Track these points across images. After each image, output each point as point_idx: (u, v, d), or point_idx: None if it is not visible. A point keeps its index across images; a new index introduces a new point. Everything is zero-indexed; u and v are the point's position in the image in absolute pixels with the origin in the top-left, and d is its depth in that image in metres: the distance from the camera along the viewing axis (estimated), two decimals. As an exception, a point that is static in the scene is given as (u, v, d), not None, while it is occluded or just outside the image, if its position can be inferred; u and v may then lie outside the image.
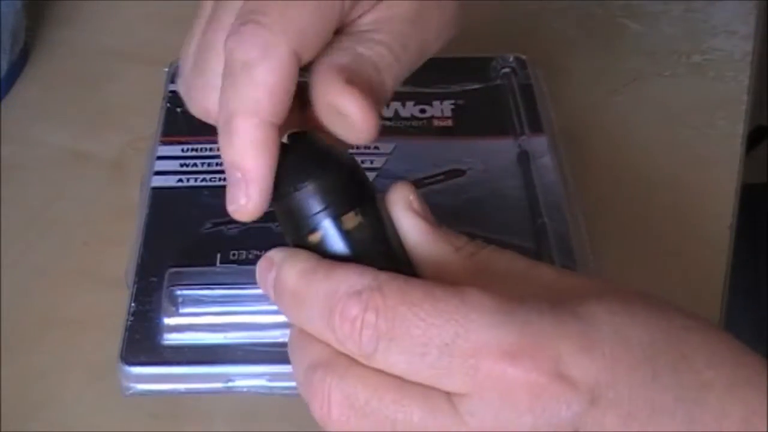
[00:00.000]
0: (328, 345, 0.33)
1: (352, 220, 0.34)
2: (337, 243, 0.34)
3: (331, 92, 0.34)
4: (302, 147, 0.35)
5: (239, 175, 0.35)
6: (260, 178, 0.34)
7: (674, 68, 0.65)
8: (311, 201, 0.34)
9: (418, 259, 0.35)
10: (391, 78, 0.37)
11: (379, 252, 0.34)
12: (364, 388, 0.32)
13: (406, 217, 0.35)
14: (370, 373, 0.32)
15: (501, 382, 0.31)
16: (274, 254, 0.35)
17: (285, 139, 0.35)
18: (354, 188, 0.35)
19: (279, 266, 0.35)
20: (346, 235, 0.34)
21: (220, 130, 0.35)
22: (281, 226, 0.36)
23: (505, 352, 0.30)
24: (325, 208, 0.34)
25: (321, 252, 0.34)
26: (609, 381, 0.31)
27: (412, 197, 0.35)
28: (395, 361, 0.32)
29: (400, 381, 0.32)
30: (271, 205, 0.35)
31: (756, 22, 0.68)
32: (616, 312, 0.32)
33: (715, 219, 0.55)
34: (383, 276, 0.32)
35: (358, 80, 0.35)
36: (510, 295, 0.32)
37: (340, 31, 0.37)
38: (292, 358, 0.35)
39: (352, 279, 0.33)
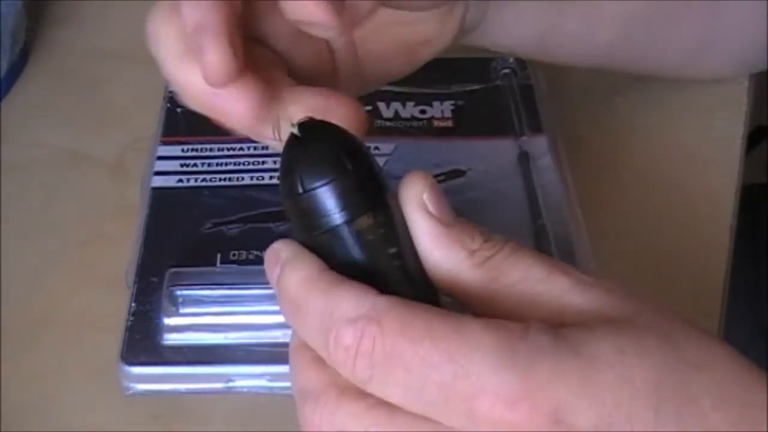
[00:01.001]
0: (322, 371, 0.33)
1: (365, 222, 0.33)
2: (347, 246, 0.33)
3: None
4: (315, 141, 0.33)
5: (200, 36, 0.35)
6: (215, 26, 0.34)
7: (674, 69, 0.65)
8: (325, 202, 0.33)
9: (429, 265, 0.34)
10: None
11: (388, 258, 0.33)
12: (355, 426, 0.32)
13: (418, 219, 0.34)
14: (362, 410, 0.32)
15: (498, 426, 0.30)
16: (281, 248, 0.34)
17: (295, 130, 0.33)
18: (368, 189, 0.33)
19: (282, 267, 0.34)
20: (357, 239, 0.33)
21: None
22: (290, 222, 0.34)
23: (503, 398, 0.30)
24: (339, 211, 0.33)
25: (329, 253, 0.33)
26: (609, 426, 0.30)
27: (426, 194, 0.34)
28: (391, 392, 0.31)
29: (392, 417, 0.31)
30: (281, 202, 0.34)
31: (756, 22, 0.67)
32: (625, 351, 0.31)
33: (715, 220, 0.55)
34: (382, 304, 0.31)
35: None
36: (513, 324, 0.31)
37: None
38: (290, 364, 0.35)
39: (350, 303, 0.32)
